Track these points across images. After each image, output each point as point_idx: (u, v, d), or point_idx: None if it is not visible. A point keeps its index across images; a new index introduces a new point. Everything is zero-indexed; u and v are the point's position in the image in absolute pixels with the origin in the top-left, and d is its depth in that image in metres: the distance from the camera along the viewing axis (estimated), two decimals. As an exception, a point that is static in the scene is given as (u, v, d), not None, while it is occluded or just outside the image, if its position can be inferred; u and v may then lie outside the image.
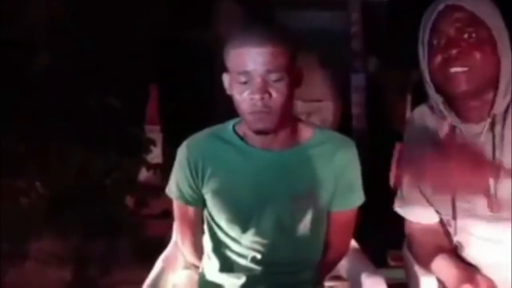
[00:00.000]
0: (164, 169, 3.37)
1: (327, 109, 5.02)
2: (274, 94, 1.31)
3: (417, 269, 1.46)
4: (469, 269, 1.31)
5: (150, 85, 4.12)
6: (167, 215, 3.09)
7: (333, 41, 5.03)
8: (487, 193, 1.29)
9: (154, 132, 3.82)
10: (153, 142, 3.57)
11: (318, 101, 4.86)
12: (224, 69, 1.41)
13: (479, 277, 1.28)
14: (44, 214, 2.98)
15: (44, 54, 3.08)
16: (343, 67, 5.11)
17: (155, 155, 3.60)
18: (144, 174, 3.46)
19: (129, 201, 3.31)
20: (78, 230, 3.07)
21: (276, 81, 1.31)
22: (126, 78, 3.37)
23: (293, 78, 1.35)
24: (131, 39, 3.40)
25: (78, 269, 2.97)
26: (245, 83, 1.32)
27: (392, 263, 2.52)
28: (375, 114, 5.25)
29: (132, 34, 3.42)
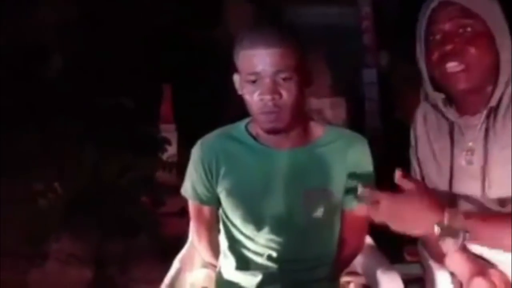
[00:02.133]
0: (180, 168, 3.39)
1: (340, 105, 5.01)
2: (284, 94, 1.33)
3: (432, 263, 1.47)
4: (481, 262, 1.32)
5: (163, 84, 4.13)
6: (184, 213, 3.12)
7: (344, 36, 5.01)
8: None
9: (169, 131, 3.83)
10: (168, 141, 3.58)
11: (331, 97, 4.86)
12: (235, 68, 1.42)
13: (491, 271, 1.28)
14: (62, 215, 3.01)
15: (56, 56, 3.11)
16: (354, 62, 5.10)
17: (171, 154, 3.61)
18: (160, 173, 3.47)
19: (146, 200, 3.33)
20: (96, 230, 3.09)
21: (285, 81, 1.33)
22: (139, 78, 3.39)
23: (303, 78, 1.36)
24: (143, 39, 3.41)
25: (97, 268, 3.00)
26: (255, 83, 1.33)
27: (408, 258, 2.53)
28: (388, 109, 5.23)
29: (144, 34, 3.43)
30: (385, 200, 1.15)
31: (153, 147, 3.49)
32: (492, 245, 1.19)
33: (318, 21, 4.74)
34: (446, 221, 1.11)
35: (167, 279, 1.53)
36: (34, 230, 2.88)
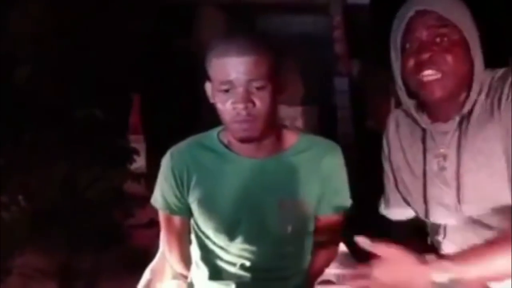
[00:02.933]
0: (149, 179, 3.35)
1: (312, 113, 5.03)
2: (257, 102, 1.31)
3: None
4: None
5: (132, 94, 4.10)
6: (153, 224, 3.07)
7: (315, 45, 5.05)
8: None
9: (138, 142, 3.80)
10: (136, 152, 3.54)
11: (303, 106, 4.87)
12: (207, 76, 1.40)
13: None
14: (27, 228, 2.93)
15: (25, 66, 3.05)
16: (326, 70, 5.13)
17: (139, 165, 3.58)
18: (128, 184, 3.43)
19: (115, 212, 3.28)
20: (63, 243, 3.03)
21: (258, 89, 1.31)
22: (109, 88, 3.34)
23: (276, 86, 1.35)
24: (113, 49, 3.38)
25: (64, 283, 2.94)
26: (227, 92, 1.31)
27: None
28: (360, 117, 5.27)
29: (115, 44, 3.40)
30: (374, 277, 1.14)
31: (121, 158, 3.44)
32: (490, 276, 1.17)
33: (290, 29, 4.76)
34: (437, 276, 1.10)
35: (138, 290, 1.50)
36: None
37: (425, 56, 1.24)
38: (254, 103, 1.30)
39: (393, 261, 1.14)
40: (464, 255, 1.15)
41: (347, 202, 1.50)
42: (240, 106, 1.30)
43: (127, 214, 3.26)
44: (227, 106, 1.32)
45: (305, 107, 4.92)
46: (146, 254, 2.73)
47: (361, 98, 5.16)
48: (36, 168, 3.01)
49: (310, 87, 5.06)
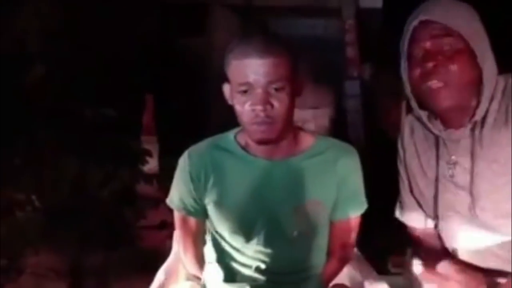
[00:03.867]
0: (161, 180, 3.36)
1: (323, 116, 5.02)
2: (276, 104, 1.31)
3: (419, 277, 1.45)
4: (479, 277, 1.31)
5: (145, 95, 4.10)
6: (165, 226, 3.09)
7: (327, 48, 5.04)
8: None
9: (150, 143, 3.80)
10: (149, 153, 3.54)
11: (314, 108, 4.86)
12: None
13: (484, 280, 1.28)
14: (40, 227, 2.95)
15: (37, 65, 3.06)
16: (338, 74, 5.12)
17: (152, 165, 3.58)
18: (141, 185, 3.43)
19: (127, 212, 3.29)
20: (76, 243, 3.04)
21: (277, 91, 1.31)
22: (122, 89, 3.35)
23: (295, 87, 1.35)
24: (125, 49, 3.39)
25: (76, 282, 2.95)
26: (246, 93, 1.31)
27: (393, 269, 2.52)
28: (371, 121, 5.25)
29: (127, 44, 3.40)
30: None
31: (134, 159, 3.44)
32: None
33: (302, 32, 4.75)
34: None
35: (151, 291, 1.50)
36: (11, 243, 2.81)
37: (430, 65, 1.25)
38: (272, 105, 1.30)
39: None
40: None
41: (363, 205, 1.49)
42: (259, 108, 1.30)
43: (138, 215, 3.26)
44: (245, 108, 1.32)
45: (316, 110, 4.91)
46: (157, 256, 2.74)
47: (372, 103, 5.14)
48: (48, 167, 3.02)
49: (321, 90, 5.05)
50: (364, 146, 4.74)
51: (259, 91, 1.30)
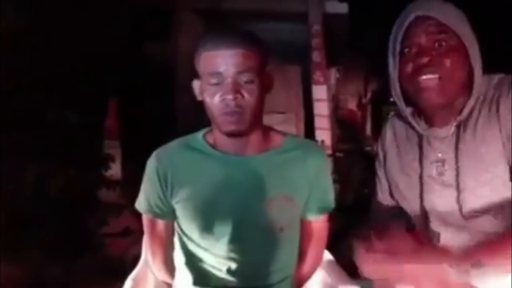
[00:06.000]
0: (124, 186, 3.30)
1: (290, 121, 5.04)
2: (246, 95, 1.31)
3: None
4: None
5: (109, 99, 4.05)
6: (128, 233, 3.03)
7: (294, 53, 5.06)
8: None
9: (113, 148, 3.73)
10: (112, 158, 3.48)
11: (281, 113, 4.87)
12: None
13: None
14: (1, 236, 2.86)
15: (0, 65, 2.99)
16: (304, 79, 5.14)
17: (114, 171, 3.52)
18: (103, 192, 3.37)
19: (89, 219, 3.22)
20: (36, 251, 2.96)
21: (247, 82, 1.31)
22: (86, 92, 3.30)
23: (264, 82, 1.35)
24: (90, 53, 3.33)
25: (35, 292, 2.86)
26: (217, 84, 1.31)
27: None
28: (337, 126, 5.29)
29: (92, 48, 3.35)
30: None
31: (96, 164, 3.38)
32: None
33: (267, 37, 4.75)
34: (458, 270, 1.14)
35: (119, 300, 1.46)
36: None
37: (424, 60, 1.25)
38: (243, 95, 1.31)
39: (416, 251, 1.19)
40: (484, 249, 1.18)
41: (332, 203, 1.49)
42: (229, 97, 1.30)
43: (101, 222, 3.20)
44: (215, 99, 1.32)
45: (283, 114, 4.92)
46: (121, 263, 2.68)
47: (338, 107, 5.16)
48: (7, 172, 2.94)
49: (289, 95, 5.07)
50: (332, 150, 4.78)
51: (229, 80, 1.30)
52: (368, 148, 6.22)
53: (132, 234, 3.03)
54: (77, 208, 3.10)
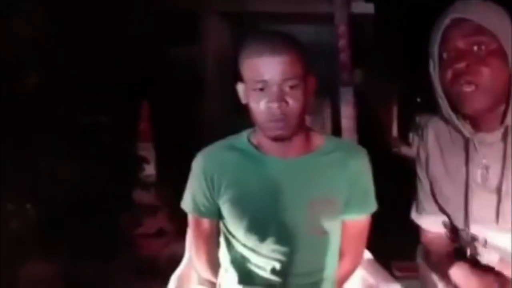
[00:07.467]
0: (158, 187, 3.34)
1: (317, 122, 5.03)
2: (290, 101, 1.32)
3: (434, 278, 1.46)
4: (487, 277, 1.31)
5: (142, 102, 4.10)
6: (162, 234, 3.06)
7: (320, 54, 5.05)
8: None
9: (147, 150, 3.78)
10: (146, 160, 3.53)
11: (308, 115, 4.87)
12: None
13: (497, 285, 1.28)
14: (35, 236, 2.92)
15: (33, 73, 3.05)
16: (331, 80, 5.13)
17: (149, 172, 3.56)
18: (137, 193, 3.41)
19: (123, 220, 3.27)
20: (71, 252, 3.01)
21: (292, 88, 1.32)
22: (118, 96, 3.35)
23: (307, 86, 1.36)
24: (122, 57, 3.38)
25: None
26: (262, 91, 1.33)
27: (397, 273, 2.52)
28: (364, 127, 5.27)
29: (123, 52, 3.40)
30: None
31: (131, 166, 3.43)
32: None
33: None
34: None
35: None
36: (6, 253, 2.78)
37: (462, 65, 1.23)
38: (287, 103, 1.32)
39: None
40: None
41: (374, 205, 1.49)
42: (275, 105, 1.31)
43: (135, 223, 3.24)
44: (261, 106, 1.33)
45: (310, 116, 4.92)
46: (155, 264, 2.71)
47: (365, 108, 5.14)
48: (43, 175, 3.00)
49: (315, 96, 5.06)
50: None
51: (274, 88, 1.32)
52: (394, 149, 6.17)
53: (166, 235, 3.08)
54: (112, 209, 3.15)
